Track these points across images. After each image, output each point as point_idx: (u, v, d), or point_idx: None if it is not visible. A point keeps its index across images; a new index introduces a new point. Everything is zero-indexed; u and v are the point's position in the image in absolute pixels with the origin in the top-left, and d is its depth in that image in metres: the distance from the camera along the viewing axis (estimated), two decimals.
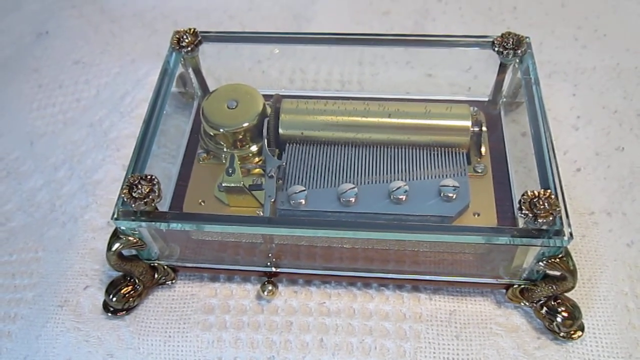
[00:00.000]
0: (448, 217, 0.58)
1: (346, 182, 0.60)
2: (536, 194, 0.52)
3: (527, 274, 0.58)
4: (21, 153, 0.80)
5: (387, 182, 0.60)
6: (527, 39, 0.66)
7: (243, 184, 0.61)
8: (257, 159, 0.66)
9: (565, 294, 0.58)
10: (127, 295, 0.61)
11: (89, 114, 0.83)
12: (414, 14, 0.94)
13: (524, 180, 0.62)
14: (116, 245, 0.57)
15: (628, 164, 0.72)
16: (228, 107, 0.66)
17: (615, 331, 0.58)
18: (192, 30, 0.69)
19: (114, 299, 0.60)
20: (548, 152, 0.56)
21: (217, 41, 0.71)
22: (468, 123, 0.63)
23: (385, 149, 0.63)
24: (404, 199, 0.58)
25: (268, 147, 0.63)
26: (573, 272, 0.54)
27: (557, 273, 0.55)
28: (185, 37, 0.68)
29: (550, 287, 0.56)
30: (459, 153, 0.63)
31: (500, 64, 0.67)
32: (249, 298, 0.63)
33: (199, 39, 0.69)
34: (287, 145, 0.64)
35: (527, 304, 0.60)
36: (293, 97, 0.67)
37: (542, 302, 0.58)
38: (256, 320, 0.61)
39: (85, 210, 0.71)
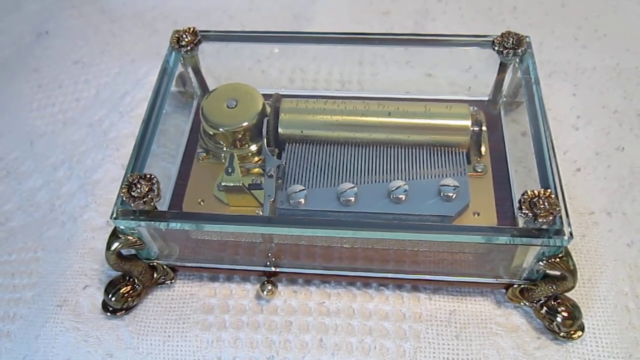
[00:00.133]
0: (448, 216, 0.58)
1: (346, 181, 0.60)
2: (536, 193, 0.52)
3: (527, 274, 0.58)
4: (21, 153, 0.80)
5: (386, 181, 0.60)
6: (527, 39, 0.66)
7: (242, 184, 0.61)
8: (256, 159, 0.66)
9: (565, 294, 0.58)
10: (126, 294, 0.61)
11: (88, 114, 0.83)
12: (414, 13, 0.94)
13: (524, 180, 0.62)
14: (115, 245, 0.57)
15: (628, 163, 0.72)
16: (227, 107, 0.66)
17: (615, 331, 0.58)
18: (191, 29, 0.69)
19: (113, 298, 0.60)
20: (548, 151, 0.56)
21: (216, 40, 0.71)
22: (468, 122, 0.63)
23: (385, 149, 0.63)
24: (403, 198, 0.58)
25: (267, 146, 0.63)
26: (573, 272, 0.54)
27: (557, 273, 0.55)
28: (184, 36, 0.68)
29: (550, 287, 0.56)
30: (459, 152, 0.63)
31: (500, 64, 0.67)
32: (249, 298, 0.62)
33: (198, 38, 0.69)
34: (287, 144, 0.64)
35: (527, 303, 0.60)
36: (293, 97, 0.67)
37: (542, 302, 0.58)
38: (255, 320, 0.61)
39: (85, 210, 0.71)
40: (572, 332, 0.58)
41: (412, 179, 0.60)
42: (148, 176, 0.55)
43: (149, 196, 0.54)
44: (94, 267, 0.66)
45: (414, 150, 0.63)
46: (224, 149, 0.66)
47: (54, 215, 0.72)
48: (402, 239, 0.56)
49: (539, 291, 0.57)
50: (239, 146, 0.66)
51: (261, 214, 0.60)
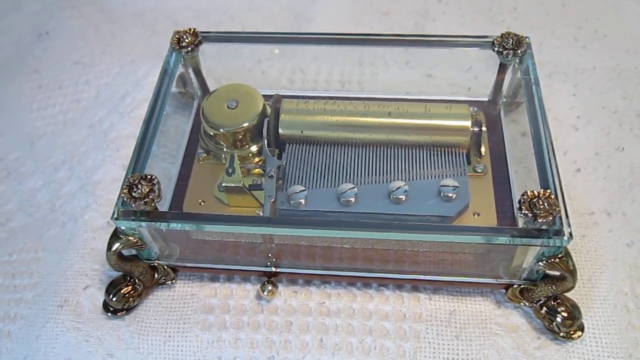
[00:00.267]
0: (448, 217, 0.58)
1: (346, 182, 0.60)
2: (536, 194, 0.52)
3: (526, 274, 0.58)
4: (21, 153, 0.80)
5: (386, 182, 0.60)
6: (527, 39, 0.66)
7: (243, 184, 0.61)
8: (257, 159, 0.66)
9: (565, 294, 0.58)
10: (127, 295, 0.61)
11: (89, 115, 0.83)
12: (414, 14, 0.94)
13: (523, 180, 0.62)
14: (116, 245, 0.57)
15: (628, 164, 0.72)
16: (228, 107, 0.66)
17: (615, 331, 0.58)
18: (192, 30, 0.69)
19: (114, 298, 0.60)
20: (548, 152, 0.56)
21: (217, 41, 0.71)
22: (468, 123, 0.63)
23: (385, 149, 0.63)
24: (403, 198, 0.58)
25: (268, 147, 0.63)
26: (573, 272, 0.54)
27: (557, 273, 0.55)
28: (185, 37, 0.68)
29: (550, 287, 0.56)
30: (459, 153, 0.63)
31: (500, 64, 0.67)
32: (249, 298, 0.63)
33: (199, 39, 0.69)
34: (287, 145, 0.64)
35: (527, 304, 0.60)
36: (293, 97, 0.67)
37: (542, 302, 0.58)
38: (256, 320, 0.61)
39: (85, 211, 0.71)
40: (571, 332, 0.58)
41: (412, 179, 0.60)
42: (149, 177, 0.55)
43: (150, 197, 0.54)
44: (95, 267, 0.66)
45: (414, 151, 0.63)
46: (225, 149, 0.66)
47: (55, 215, 0.72)
48: (402, 239, 0.56)
49: (539, 291, 0.57)
50: (239, 147, 0.66)
51: (261, 214, 0.60)
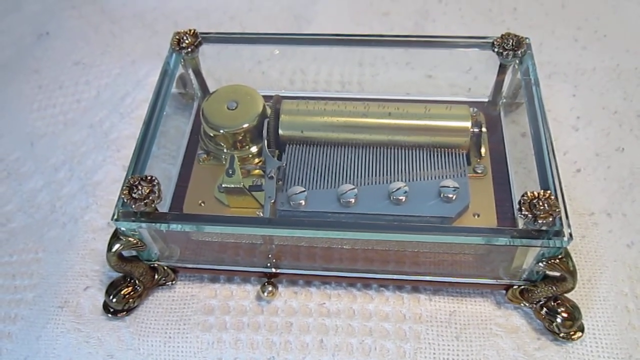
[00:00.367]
0: (448, 217, 0.58)
1: (346, 183, 0.60)
2: (536, 194, 0.52)
3: (527, 275, 0.58)
4: (21, 154, 0.80)
5: (387, 183, 0.60)
6: (527, 40, 0.66)
7: (243, 185, 0.61)
8: (257, 160, 0.66)
9: (565, 295, 0.58)
10: (127, 296, 0.61)
11: (89, 115, 0.83)
12: (414, 14, 0.94)
13: (523, 181, 0.62)
14: (116, 246, 0.57)
15: (628, 164, 0.72)
16: (228, 108, 0.66)
17: (615, 332, 0.59)
18: (192, 31, 0.69)
19: (114, 299, 0.61)
20: (548, 152, 0.56)
21: (217, 42, 0.71)
22: (468, 124, 0.63)
23: (385, 150, 0.63)
24: (403, 199, 0.58)
25: (268, 148, 0.63)
26: (573, 273, 0.54)
27: (557, 274, 0.55)
28: (185, 38, 0.68)
29: (550, 288, 0.56)
30: (459, 154, 0.63)
31: (500, 65, 0.67)
32: (249, 299, 0.63)
33: (199, 40, 0.69)
34: (287, 146, 0.64)
35: (527, 304, 0.60)
36: (293, 98, 0.67)
37: (542, 302, 0.58)
38: (256, 321, 0.61)
39: (86, 211, 0.71)
40: (572, 332, 0.58)
41: (412, 180, 0.60)
42: (149, 178, 0.55)
43: (150, 198, 0.54)
44: (95, 268, 0.66)
45: (414, 152, 0.63)
46: (225, 150, 0.66)
47: (55, 216, 0.72)
48: (402, 240, 0.56)
49: (539, 292, 0.57)
50: (239, 148, 0.66)
51: (262, 215, 0.60)
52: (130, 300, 0.61)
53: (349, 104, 0.65)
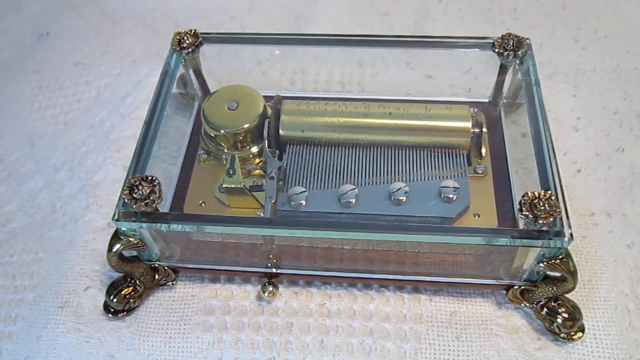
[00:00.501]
0: (448, 218, 0.58)
1: (346, 183, 0.60)
2: (536, 195, 0.52)
3: (527, 275, 0.58)
4: (22, 154, 0.80)
5: (387, 183, 0.60)
6: (528, 40, 0.66)
7: (244, 185, 0.61)
8: (257, 160, 0.66)
9: (566, 295, 0.58)
10: (127, 296, 0.61)
11: (89, 115, 0.83)
12: (414, 15, 0.94)
13: (524, 181, 0.62)
14: (117, 246, 0.57)
15: (628, 165, 0.72)
16: (229, 108, 0.66)
17: (616, 332, 0.59)
18: (192, 31, 0.69)
19: (115, 300, 0.60)
20: (548, 153, 0.57)
21: (217, 42, 0.71)
22: (468, 124, 0.63)
23: (386, 150, 0.63)
24: (404, 200, 0.58)
25: (269, 148, 0.63)
26: (573, 273, 0.54)
27: (558, 274, 0.55)
28: (186, 38, 0.68)
29: (550, 288, 0.56)
30: (460, 154, 0.63)
31: (501, 65, 0.68)
32: (250, 299, 0.63)
33: (199, 40, 0.69)
34: (288, 146, 0.64)
35: (527, 305, 0.60)
36: (293, 99, 0.67)
37: (542, 303, 0.58)
38: (257, 321, 0.61)
39: (86, 212, 0.71)
40: (572, 333, 0.58)
41: (413, 180, 0.60)
42: (149, 178, 0.55)
43: (151, 198, 0.54)
44: (96, 268, 0.66)
45: (414, 152, 0.63)
46: (225, 150, 0.66)
47: (55, 216, 0.72)
48: (402, 240, 0.56)
49: (540, 292, 0.57)
50: (240, 148, 0.66)
51: (262, 215, 0.60)
52: (131, 300, 0.61)
53: (349, 104, 0.65)
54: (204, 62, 0.71)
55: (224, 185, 0.61)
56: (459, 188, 0.59)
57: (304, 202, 0.59)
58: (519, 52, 0.65)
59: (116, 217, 0.55)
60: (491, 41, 0.67)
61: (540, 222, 0.51)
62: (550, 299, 0.58)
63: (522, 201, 0.52)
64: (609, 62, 0.84)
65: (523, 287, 0.59)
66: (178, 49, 0.68)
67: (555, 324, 0.57)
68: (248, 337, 0.60)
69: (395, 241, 0.57)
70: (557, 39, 0.89)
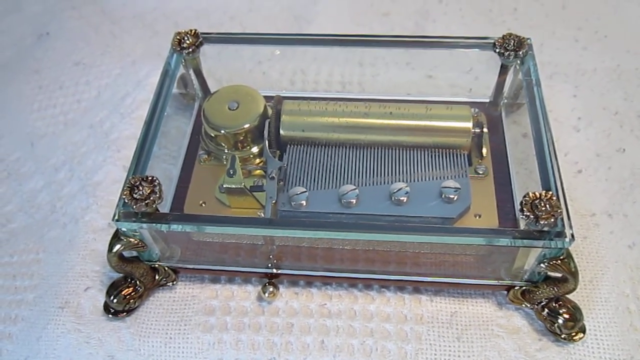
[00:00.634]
0: (449, 218, 0.58)
1: (347, 183, 0.60)
2: (537, 195, 0.52)
3: (528, 276, 0.58)
4: (22, 154, 0.80)
5: (388, 183, 0.60)
6: (529, 40, 0.66)
7: (244, 185, 0.61)
8: (258, 160, 0.66)
9: (567, 296, 0.58)
10: (127, 296, 0.61)
11: (89, 115, 0.83)
12: (414, 15, 0.94)
13: (525, 182, 0.62)
14: (117, 247, 0.57)
15: (629, 165, 0.72)
16: (229, 109, 0.66)
17: (617, 333, 0.58)
18: (193, 31, 0.69)
19: (115, 300, 0.60)
20: (549, 153, 0.56)
21: (218, 42, 0.71)
22: (469, 124, 0.63)
23: (386, 151, 0.63)
24: (405, 200, 0.58)
25: (269, 148, 0.63)
26: (574, 274, 0.54)
27: (559, 275, 0.55)
28: (186, 38, 0.68)
29: (551, 289, 0.56)
30: (460, 154, 0.63)
31: (502, 66, 0.67)
32: (250, 299, 0.62)
33: (200, 40, 0.69)
34: (288, 146, 0.64)
35: (528, 305, 0.60)
36: (294, 99, 0.67)
37: (543, 303, 0.58)
38: (257, 322, 0.61)
39: (86, 212, 0.71)
40: (573, 334, 0.58)
41: (414, 180, 0.60)
42: (150, 178, 0.55)
43: (151, 198, 0.54)
44: (96, 268, 0.66)
45: (415, 152, 0.63)
46: (226, 150, 0.66)
47: (55, 216, 0.72)
48: (403, 240, 0.56)
49: (541, 293, 0.57)
50: (240, 148, 0.66)
51: (263, 215, 0.60)
52: (131, 300, 0.61)
53: (350, 104, 0.65)
54: (204, 62, 0.71)
55: (224, 186, 0.61)
56: (459, 188, 0.59)
57: (304, 203, 0.59)
58: (520, 52, 0.65)
59: (116, 217, 0.54)
60: (492, 41, 0.67)
61: (542, 222, 0.51)
62: (551, 300, 0.58)
63: (523, 201, 0.52)
64: (609, 63, 0.84)
65: (524, 288, 0.59)
66: (178, 49, 0.68)
67: (556, 324, 0.57)
68: (248, 337, 0.60)
69: (395, 242, 0.57)
70: (557, 39, 0.89)
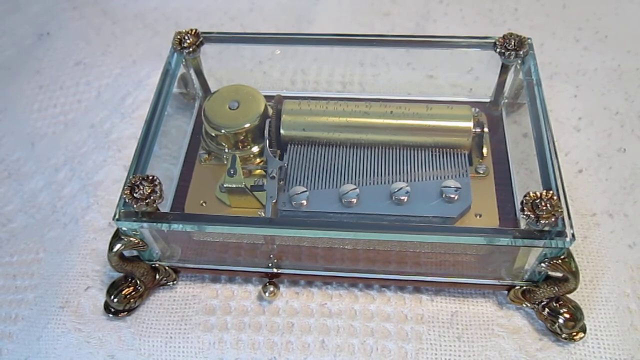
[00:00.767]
0: (450, 218, 0.58)
1: (348, 183, 0.60)
2: (538, 195, 0.52)
3: (529, 275, 0.58)
4: (22, 154, 0.80)
5: (388, 183, 0.60)
6: (529, 40, 0.66)
7: (244, 185, 0.61)
8: (258, 160, 0.66)
9: (567, 296, 0.58)
10: (128, 296, 0.61)
11: (90, 115, 0.83)
12: (415, 15, 0.94)
13: (525, 182, 0.62)
14: (117, 246, 0.57)
15: (630, 165, 0.72)
16: (229, 108, 0.66)
17: (617, 333, 0.58)
18: (193, 31, 0.69)
19: (115, 300, 0.60)
20: (550, 153, 0.56)
21: (218, 42, 0.71)
22: (470, 124, 0.63)
23: (387, 150, 0.63)
24: (405, 200, 0.58)
25: (269, 148, 0.63)
26: (575, 274, 0.54)
27: (559, 274, 0.55)
28: (186, 38, 0.68)
29: (552, 289, 0.56)
30: (461, 154, 0.63)
31: (502, 65, 0.67)
32: (250, 299, 0.62)
33: (200, 39, 0.69)
34: (289, 146, 0.64)
35: (529, 305, 0.60)
36: (294, 98, 0.67)
37: (544, 303, 0.58)
38: (257, 322, 0.61)
39: (87, 211, 0.71)
40: (574, 333, 0.58)
41: (414, 180, 0.60)
42: (150, 177, 0.55)
43: (151, 197, 0.54)
44: (96, 268, 0.66)
45: (415, 152, 0.63)
46: (226, 150, 0.66)
47: (56, 216, 0.72)
48: (404, 240, 0.56)
49: (541, 293, 0.57)
50: (241, 147, 0.66)
51: (263, 215, 0.60)
52: (132, 300, 0.61)
53: (351, 103, 0.65)
54: (205, 61, 0.71)
55: (225, 185, 0.61)
56: (460, 188, 0.59)
57: (305, 202, 0.59)
58: (521, 52, 0.65)
59: (117, 216, 0.54)
60: (492, 41, 0.67)
61: (542, 222, 0.51)
62: (551, 300, 0.58)
63: (524, 201, 0.52)
64: (610, 63, 0.84)
65: (524, 288, 0.59)
66: (179, 48, 0.68)
67: (556, 324, 0.57)
68: (249, 337, 0.60)
69: (396, 241, 0.57)
70: (558, 39, 0.89)
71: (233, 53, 0.73)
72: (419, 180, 0.60)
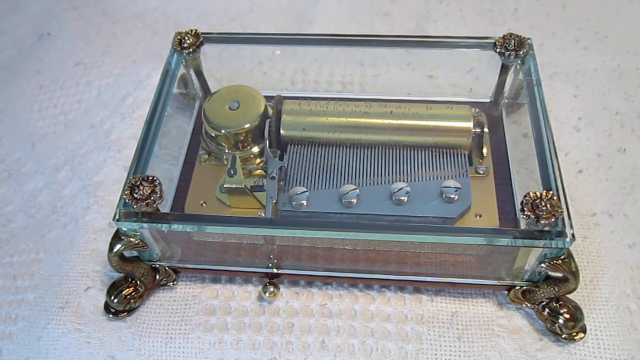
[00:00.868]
0: (450, 218, 0.58)
1: (348, 183, 0.60)
2: (538, 195, 0.52)
3: (529, 276, 0.58)
4: (22, 154, 0.80)
5: (388, 183, 0.60)
6: (529, 40, 0.66)
7: (245, 185, 0.61)
8: (258, 160, 0.66)
9: (567, 296, 0.58)
10: (128, 296, 0.61)
11: (90, 115, 0.83)
12: (415, 15, 0.94)
13: (525, 182, 0.62)
14: (117, 247, 0.57)
15: (630, 165, 0.72)
16: (229, 108, 0.66)
17: (618, 333, 0.58)
18: (193, 31, 0.69)
19: (115, 300, 0.60)
20: (550, 153, 0.56)
21: (218, 42, 0.71)
22: (469, 124, 0.63)
23: (387, 150, 0.63)
24: (405, 200, 0.58)
25: (269, 148, 0.63)
26: (575, 274, 0.54)
27: (559, 274, 0.55)
28: (186, 38, 0.68)
29: (552, 289, 0.56)
30: (461, 154, 0.63)
31: (502, 65, 0.67)
32: (251, 299, 0.62)
33: (200, 40, 0.69)
34: (289, 146, 0.64)
35: (529, 305, 0.60)
36: (294, 99, 0.67)
37: (544, 303, 0.58)
38: (257, 322, 0.61)
39: (87, 212, 0.71)
40: (574, 333, 0.58)
41: (414, 180, 0.60)
42: (150, 178, 0.55)
43: (152, 198, 0.54)
44: (96, 268, 0.66)
45: (415, 152, 0.63)
46: (226, 150, 0.66)
47: (56, 216, 0.72)
48: (404, 240, 0.56)
49: (541, 293, 0.57)
50: (241, 148, 0.66)
51: (263, 215, 0.60)
52: (132, 300, 0.61)
53: (351, 103, 0.65)
54: (205, 62, 0.71)
55: (225, 185, 0.61)
56: (460, 188, 0.59)
57: (305, 202, 0.59)
58: (521, 52, 0.65)
59: (117, 217, 0.54)
60: (492, 41, 0.67)
61: (542, 222, 0.51)
62: (551, 300, 0.58)
63: (524, 201, 0.52)
64: (610, 63, 0.84)
65: (524, 288, 0.59)
66: (179, 48, 0.68)
67: (556, 324, 0.57)
68: (249, 337, 0.60)
69: (396, 241, 0.57)
70: (558, 39, 0.89)
71: (233, 53, 0.73)
72: (419, 180, 0.60)
